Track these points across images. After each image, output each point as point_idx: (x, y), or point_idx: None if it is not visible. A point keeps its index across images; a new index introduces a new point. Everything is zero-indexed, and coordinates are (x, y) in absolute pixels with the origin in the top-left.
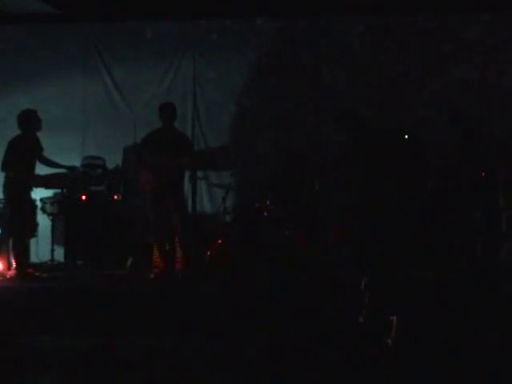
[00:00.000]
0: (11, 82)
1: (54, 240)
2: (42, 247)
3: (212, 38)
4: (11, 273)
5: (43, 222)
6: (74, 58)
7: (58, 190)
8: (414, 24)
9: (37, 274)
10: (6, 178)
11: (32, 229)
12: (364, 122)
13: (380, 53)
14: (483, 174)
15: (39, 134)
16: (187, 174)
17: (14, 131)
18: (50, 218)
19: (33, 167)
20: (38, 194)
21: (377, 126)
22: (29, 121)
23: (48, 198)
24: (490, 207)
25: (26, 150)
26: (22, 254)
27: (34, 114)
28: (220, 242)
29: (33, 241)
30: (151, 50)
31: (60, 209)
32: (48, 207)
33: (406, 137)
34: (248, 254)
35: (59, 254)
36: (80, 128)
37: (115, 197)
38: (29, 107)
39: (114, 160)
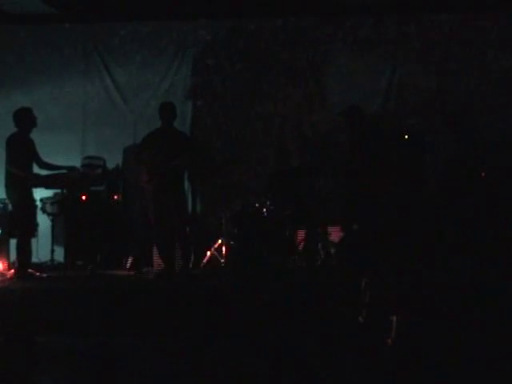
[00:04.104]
0: (11, 82)
1: (54, 240)
2: (42, 247)
3: (211, 38)
4: (11, 273)
5: (43, 221)
6: (74, 58)
7: (58, 190)
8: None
9: (37, 274)
10: (8, 176)
11: (33, 229)
12: (365, 120)
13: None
14: (483, 174)
15: (39, 134)
16: (187, 174)
17: (13, 131)
18: (50, 218)
19: (32, 165)
20: (38, 194)
21: (377, 126)
22: (25, 118)
23: (48, 198)
24: (489, 207)
25: (24, 147)
26: (24, 254)
27: (28, 111)
28: (220, 242)
29: (33, 241)
30: (151, 50)
31: (60, 209)
32: (48, 207)
33: (406, 137)
34: (248, 254)
35: (59, 254)
36: (80, 128)
37: (115, 197)
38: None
39: (114, 160)
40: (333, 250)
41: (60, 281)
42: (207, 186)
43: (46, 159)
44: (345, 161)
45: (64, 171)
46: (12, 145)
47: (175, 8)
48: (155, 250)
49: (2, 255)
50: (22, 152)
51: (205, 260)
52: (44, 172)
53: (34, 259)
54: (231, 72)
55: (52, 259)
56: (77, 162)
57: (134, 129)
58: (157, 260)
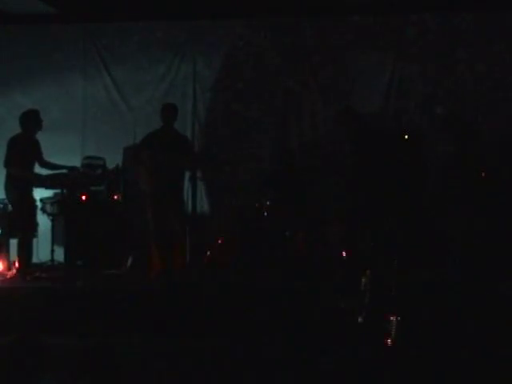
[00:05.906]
0: (11, 82)
1: (54, 240)
2: (42, 247)
3: (212, 38)
4: (11, 273)
5: (43, 222)
6: (74, 58)
7: (58, 190)
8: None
9: (37, 274)
10: (8, 177)
11: (33, 229)
12: (364, 121)
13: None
14: (483, 174)
15: (39, 134)
16: (187, 174)
17: (13, 131)
18: (50, 218)
19: (33, 166)
20: (38, 194)
21: (377, 126)
22: (31, 120)
23: (48, 198)
24: (489, 207)
25: (27, 148)
26: (24, 254)
27: (36, 113)
28: (220, 242)
29: (33, 241)
30: (151, 49)
31: (60, 209)
32: (48, 207)
33: (406, 137)
34: (248, 253)
35: (59, 254)
36: (80, 128)
37: (115, 197)
38: (29, 107)
39: (113, 160)
40: (332, 251)
41: (60, 281)
42: (207, 185)
43: (46, 159)
44: (344, 161)
45: (64, 171)
46: (15, 145)
47: (175, 8)
48: (155, 250)
49: (1, 255)
50: (26, 153)
51: (205, 260)
52: (44, 172)
53: (34, 259)
54: (232, 73)
55: (52, 259)
56: (77, 162)
57: (133, 129)
58: (156, 260)
